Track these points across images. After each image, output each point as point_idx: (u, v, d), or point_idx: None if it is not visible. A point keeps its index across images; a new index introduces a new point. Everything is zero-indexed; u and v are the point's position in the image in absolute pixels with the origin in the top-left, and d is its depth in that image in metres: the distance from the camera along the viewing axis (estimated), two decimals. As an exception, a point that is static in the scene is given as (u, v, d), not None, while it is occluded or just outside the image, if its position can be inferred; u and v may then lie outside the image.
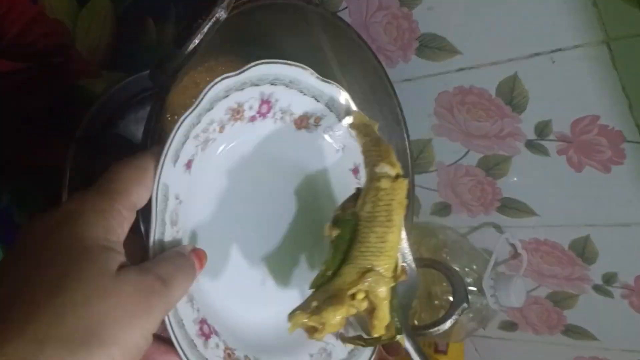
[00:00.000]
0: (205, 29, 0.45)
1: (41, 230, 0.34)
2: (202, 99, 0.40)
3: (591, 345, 0.78)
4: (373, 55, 0.64)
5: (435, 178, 0.78)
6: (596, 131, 0.63)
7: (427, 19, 0.66)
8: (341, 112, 0.49)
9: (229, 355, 0.43)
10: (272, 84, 0.44)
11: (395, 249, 0.43)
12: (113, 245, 0.34)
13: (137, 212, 0.37)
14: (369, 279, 0.41)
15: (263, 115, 0.45)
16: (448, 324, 0.63)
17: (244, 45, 0.60)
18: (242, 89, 0.43)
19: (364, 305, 0.42)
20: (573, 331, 0.79)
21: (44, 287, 0.31)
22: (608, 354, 0.78)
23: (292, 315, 0.40)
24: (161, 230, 0.38)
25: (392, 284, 0.42)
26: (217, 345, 0.42)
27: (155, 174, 0.37)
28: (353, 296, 0.41)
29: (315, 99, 0.48)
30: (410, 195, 0.68)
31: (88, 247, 0.32)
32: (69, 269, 0.31)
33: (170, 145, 0.38)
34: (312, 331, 0.41)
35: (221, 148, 0.44)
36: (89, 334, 0.30)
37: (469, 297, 0.64)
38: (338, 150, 0.51)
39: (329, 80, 0.47)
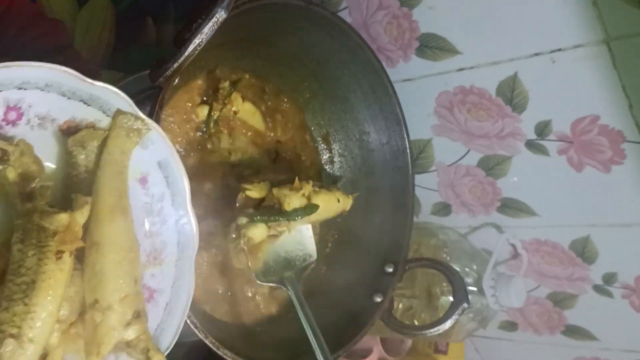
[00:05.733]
0: (205, 29, 0.45)
1: None
2: None
3: (591, 345, 0.78)
4: (373, 55, 0.64)
5: (435, 178, 0.78)
6: (596, 131, 0.63)
7: (427, 18, 0.66)
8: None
9: None
10: (20, 88, 0.40)
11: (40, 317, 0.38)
12: None
13: None
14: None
15: (12, 122, 0.41)
16: (448, 324, 0.63)
17: (244, 45, 0.60)
18: None
19: None
20: (573, 331, 0.79)
21: None
22: (608, 354, 0.78)
23: None
24: None
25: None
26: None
27: None
28: None
29: (85, 103, 0.42)
30: (411, 195, 0.68)
31: None
32: None
33: None
34: None
35: None
36: None
37: (469, 297, 0.64)
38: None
39: (98, 82, 0.42)
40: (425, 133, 0.75)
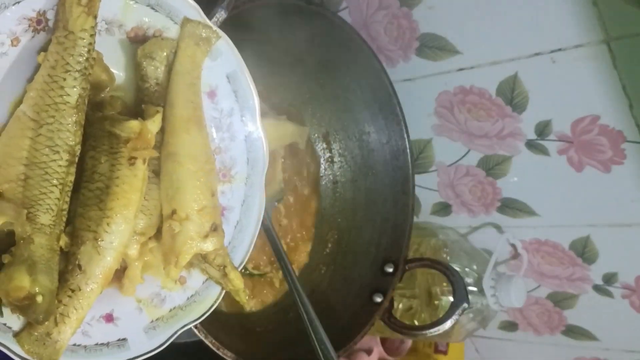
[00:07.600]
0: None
1: None
2: None
3: (591, 345, 0.78)
4: (373, 55, 0.64)
5: (435, 178, 0.78)
6: (596, 131, 0.63)
7: (427, 18, 0.66)
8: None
9: None
10: None
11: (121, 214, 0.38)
12: None
13: None
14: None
15: None
16: (448, 324, 0.63)
17: (243, 45, 0.60)
18: None
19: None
20: (573, 331, 0.79)
21: None
22: (608, 354, 0.77)
23: None
24: None
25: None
26: None
27: None
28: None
29: (152, 8, 0.40)
30: (411, 195, 0.68)
31: None
32: None
33: None
34: None
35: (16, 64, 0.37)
36: None
37: (469, 297, 0.64)
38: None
39: None
40: (425, 133, 0.75)
